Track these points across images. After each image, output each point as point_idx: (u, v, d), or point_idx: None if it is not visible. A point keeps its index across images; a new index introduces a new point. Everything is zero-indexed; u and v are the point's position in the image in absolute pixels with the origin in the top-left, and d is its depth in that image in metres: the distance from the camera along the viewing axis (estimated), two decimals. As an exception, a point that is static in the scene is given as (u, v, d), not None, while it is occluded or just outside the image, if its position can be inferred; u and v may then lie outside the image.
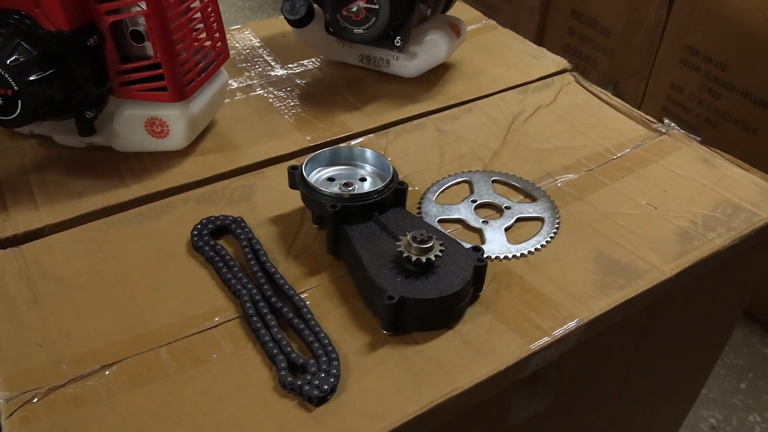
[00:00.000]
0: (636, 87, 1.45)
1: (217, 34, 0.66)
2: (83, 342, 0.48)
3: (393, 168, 0.57)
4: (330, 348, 0.47)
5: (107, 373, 0.46)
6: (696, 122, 1.35)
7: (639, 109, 0.76)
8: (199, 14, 0.63)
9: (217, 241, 0.56)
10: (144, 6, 0.56)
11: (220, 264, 0.54)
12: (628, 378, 0.66)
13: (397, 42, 0.74)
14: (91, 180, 0.62)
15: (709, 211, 0.62)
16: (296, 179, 0.57)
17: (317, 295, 0.53)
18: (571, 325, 0.51)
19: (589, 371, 0.60)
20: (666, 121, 0.75)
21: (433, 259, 0.49)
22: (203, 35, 0.65)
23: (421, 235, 0.50)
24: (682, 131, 0.74)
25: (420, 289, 0.49)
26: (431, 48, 0.76)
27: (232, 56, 0.83)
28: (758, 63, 1.20)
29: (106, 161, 0.65)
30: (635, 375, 0.67)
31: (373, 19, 0.71)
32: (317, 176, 0.58)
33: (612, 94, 0.79)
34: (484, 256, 0.53)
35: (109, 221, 0.58)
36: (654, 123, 0.75)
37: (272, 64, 0.83)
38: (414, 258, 0.49)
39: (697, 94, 1.32)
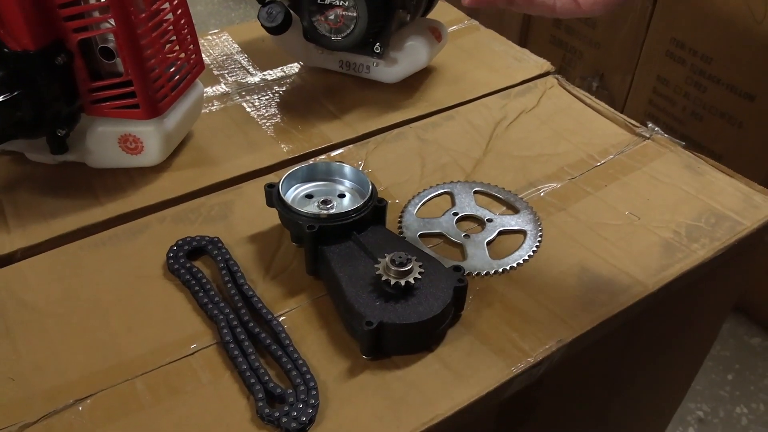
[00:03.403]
0: (622, 80, 1.44)
1: (191, 46, 0.64)
2: (56, 374, 0.47)
3: (372, 185, 0.56)
4: (308, 376, 0.47)
5: (80, 408, 0.45)
6: (682, 115, 1.34)
7: (625, 101, 0.76)
8: (171, 27, 0.61)
9: (193, 263, 0.55)
10: (113, 23, 0.55)
11: (197, 288, 0.53)
12: (613, 387, 0.66)
13: (377, 49, 0.73)
14: (65, 199, 0.61)
15: (693, 221, 0.62)
16: (273, 198, 0.56)
17: (296, 317, 0.52)
18: (553, 345, 0.50)
19: (572, 385, 0.59)
20: (650, 125, 0.74)
21: (412, 282, 0.49)
22: (177, 48, 0.63)
23: (400, 257, 0.49)
24: (666, 135, 0.73)
25: (399, 313, 0.48)
26: (412, 54, 0.75)
27: (208, 63, 0.81)
28: (744, 56, 1.20)
29: (79, 178, 0.63)
30: (621, 384, 0.67)
31: (352, 26, 0.70)
32: (295, 193, 0.57)
33: (598, 86, 0.78)
34: (466, 273, 0.52)
35: (83, 244, 0.57)
36: (638, 127, 0.74)
37: (250, 70, 0.81)
38: (393, 281, 0.48)
39: (683, 87, 1.32)
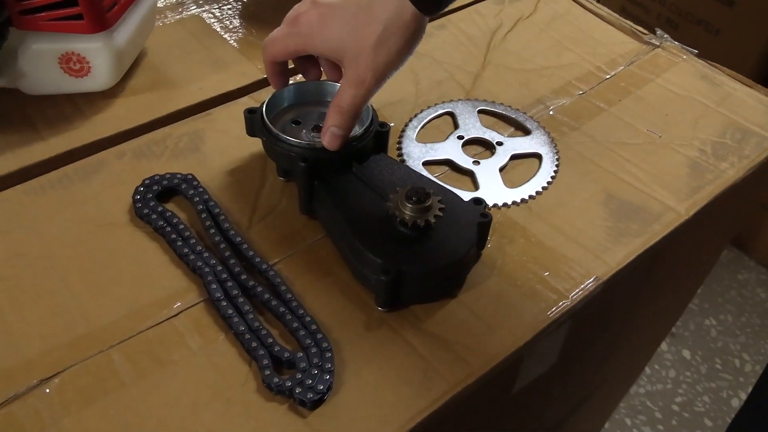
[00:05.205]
0: (593, -15, 1.36)
1: (138, -57, 0.53)
2: (12, 351, 0.39)
3: (372, 107, 0.48)
4: (320, 335, 0.40)
5: (47, 390, 0.37)
6: (656, 23, 1.28)
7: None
8: None
9: (165, 206, 0.47)
10: None
11: (173, 235, 0.45)
12: (629, 316, 0.62)
13: (356, -54, 0.63)
14: (-2, 134, 0.51)
15: (717, 137, 0.56)
16: (255, 126, 0.47)
17: (294, 265, 0.45)
18: (590, 284, 0.45)
19: (593, 322, 0.55)
20: (659, 32, 0.67)
21: (433, 220, 0.42)
22: (122, -56, 0.52)
23: (417, 192, 0.42)
24: (676, 43, 0.67)
25: (419, 257, 0.41)
26: (395, -48, 0.65)
27: (155, -33, 0.69)
28: (725, -43, 1.13)
29: (13, 108, 0.53)
30: (635, 315, 0.63)
31: None
32: (281, 119, 0.49)
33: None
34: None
35: (26, 188, 0.47)
36: (645, 34, 0.67)
37: (205, -25, 0.70)
38: (410, 221, 0.41)
39: (659, -7, 1.25)
